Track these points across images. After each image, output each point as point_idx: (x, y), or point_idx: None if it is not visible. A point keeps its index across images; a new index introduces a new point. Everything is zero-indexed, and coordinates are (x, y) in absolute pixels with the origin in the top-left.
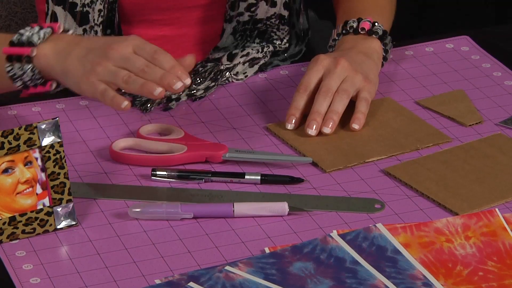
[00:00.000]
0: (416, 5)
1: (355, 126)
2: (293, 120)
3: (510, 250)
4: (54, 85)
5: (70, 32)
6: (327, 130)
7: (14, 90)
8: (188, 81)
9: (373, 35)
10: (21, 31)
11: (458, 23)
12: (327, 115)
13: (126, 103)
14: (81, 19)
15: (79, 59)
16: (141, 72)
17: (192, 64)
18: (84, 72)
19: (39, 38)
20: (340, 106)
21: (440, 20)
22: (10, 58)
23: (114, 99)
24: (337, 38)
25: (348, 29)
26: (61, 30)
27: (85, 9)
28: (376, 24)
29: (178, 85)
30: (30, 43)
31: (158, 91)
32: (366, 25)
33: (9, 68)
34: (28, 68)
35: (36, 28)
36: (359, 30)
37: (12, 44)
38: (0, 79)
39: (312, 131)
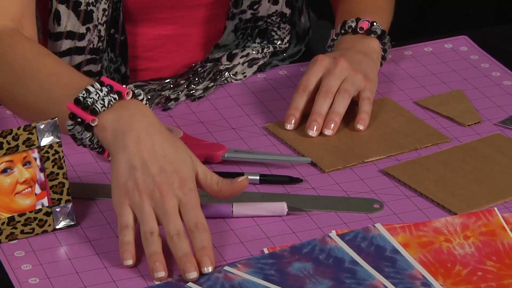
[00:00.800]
0: (415, 5)
1: (360, 126)
2: (293, 121)
3: (509, 250)
4: (111, 157)
5: (140, 97)
6: (328, 132)
7: None
8: (208, 269)
9: (372, 35)
10: (89, 87)
11: (457, 23)
12: (328, 117)
13: (130, 262)
14: (85, 18)
15: (128, 168)
16: (168, 236)
17: (245, 186)
18: (124, 185)
19: (103, 106)
20: (342, 107)
21: (439, 20)
22: (73, 117)
23: (123, 247)
24: (335, 38)
25: (347, 29)
26: (129, 97)
27: (89, 8)
28: (375, 23)
29: (191, 275)
30: (93, 111)
31: (161, 275)
32: (365, 25)
33: (70, 127)
34: (87, 137)
35: (104, 90)
36: (358, 30)
37: (77, 101)
38: (61, 125)
39: (313, 132)
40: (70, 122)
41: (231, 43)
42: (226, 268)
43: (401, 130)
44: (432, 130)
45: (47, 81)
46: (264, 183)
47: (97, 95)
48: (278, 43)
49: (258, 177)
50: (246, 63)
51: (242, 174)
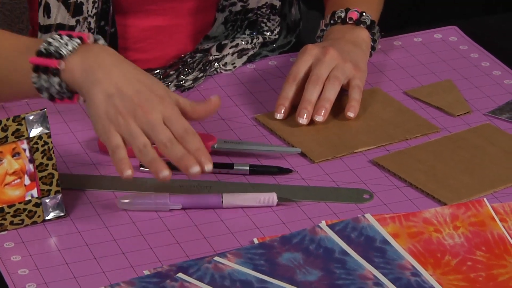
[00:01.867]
0: None
1: (350, 114)
2: (282, 110)
3: (498, 240)
4: (82, 100)
5: (101, 42)
6: (319, 118)
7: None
8: (209, 167)
9: (361, 25)
10: (49, 39)
11: (447, 14)
12: (319, 103)
13: (128, 172)
14: (75, 10)
15: (105, 97)
16: (162, 145)
17: (217, 106)
18: (105, 115)
19: (68, 50)
20: (332, 94)
21: (429, 11)
22: (37, 69)
23: (119, 163)
24: (325, 28)
25: (336, 19)
26: (91, 40)
27: (79, 0)
28: (364, 14)
29: (195, 169)
30: (59, 55)
31: (165, 174)
32: (354, 15)
33: (35, 79)
34: (56, 82)
35: (65, 38)
36: (347, 20)
37: (39, 54)
38: (27, 88)
39: (303, 119)
40: (34, 75)
41: (221, 34)
42: (216, 258)
43: (390, 120)
44: (422, 121)
45: (10, 54)
46: (254, 174)
47: (59, 43)
48: (268, 34)
49: (248, 168)
50: (236, 54)
51: (232, 164)
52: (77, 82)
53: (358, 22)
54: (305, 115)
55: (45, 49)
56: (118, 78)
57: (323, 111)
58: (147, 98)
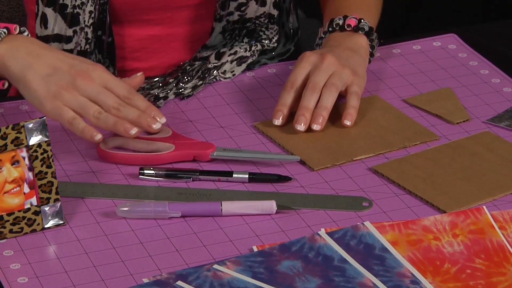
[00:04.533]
0: (404, 3)
1: (347, 122)
2: (281, 116)
3: (498, 248)
4: (6, 85)
5: (25, 34)
6: (317, 127)
7: None
8: (163, 119)
9: (359, 32)
10: None
11: (446, 21)
12: (316, 111)
13: (99, 136)
14: (72, 20)
15: (42, 78)
16: (113, 109)
17: (141, 81)
18: (48, 93)
19: None
20: (329, 101)
21: (428, 18)
22: None
23: (85, 130)
24: (323, 36)
25: (334, 26)
26: (17, 31)
27: (75, 11)
28: (362, 21)
29: (158, 125)
30: None
31: (135, 130)
32: (352, 22)
33: None
34: None
35: None
36: (345, 27)
37: None
38: None
39: (301, 126)
40: None
41: (219, 43)
42: (215, 266)
43: (389, 128)
44: (421, 128)
45: None
46: (253, 182)
47: None
48: (266, 43)
49: (247, 176)
50: (235, 62)
51: (231, 172)
52: (6, 67)
53: (356, 29)
54: (303, 122)
55: None
56: (49, 59)
57: (321, 119)
58: (83, 68)
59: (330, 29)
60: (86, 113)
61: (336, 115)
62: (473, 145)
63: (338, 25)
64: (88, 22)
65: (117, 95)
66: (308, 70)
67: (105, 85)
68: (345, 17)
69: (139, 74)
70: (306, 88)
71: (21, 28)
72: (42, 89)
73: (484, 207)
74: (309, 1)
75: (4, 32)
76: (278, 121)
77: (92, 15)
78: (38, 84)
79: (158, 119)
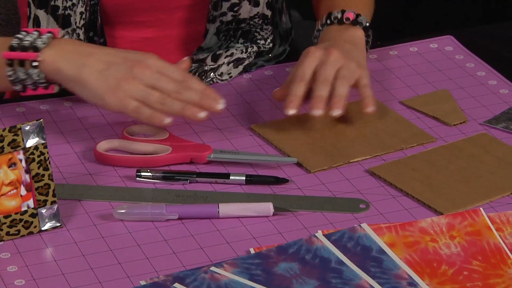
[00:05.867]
0: (401, 5)
1: (370, 108)
2: (295, 105)
3: (495, 250)
4: (56, 89)
5: (66, 37)
6: (337, 112)
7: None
8: (222, 100)
9: (357, 26)
10: (18, 35)
11: (443, 23)
12: (333, 100)
13: (169, 119)
14: (63, 22)
15: (99, 73)
16: (175, 94)
17: (189, 66)
18: (109, 87)
19: (43, 43)
20: (344, 91)
21: (425, 20)
22: (11, 63)
23: (153, 116)
24: (321, 28)
25: (333, 19)
26: (61, 35)
27: (66, 12)
28: (360, 15)
29: (220, 105)
30: (34, 48)
31: (203, 114)
32: (351, 16)
33: (10, 72)
34: (34, 73)
35: (35, 33)
36: (344, 20)
37: (12, 48)
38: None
39: (318, 111)
40: (9, 69)
41: (214, 45)
42: (213, 268)
43: (386, 130)
44: (418, 130)
45: None
46: (250, 184)
47: (31, 37)
48: (261, 43)
49: (244, 178)
50: (232, 64)
51: (228, 174)
52: (59, 70)
53: (355, 22)
54: (320, 107)
55: (17, 43)
56: (102, 56)
57: (340, 104)
58: (136, 58)
59: (328, 21)
60: (149, 101)
61: (332, 118)
62: (470, 147)
63: (336, 18)
64: (79, 23)
65: (174, 79)
66: (315, 64)
67: (160, 71)
68: (343, 11)
69: (185, 58)
70: (317, 81)
71: (63, 32)
72: (101, 85)
73: (481, 208)
74: (304, 2)
75: (50, 37)
76: (292, 110)
77: (83, 16)
78: (96, 81)
79: (218, 99)
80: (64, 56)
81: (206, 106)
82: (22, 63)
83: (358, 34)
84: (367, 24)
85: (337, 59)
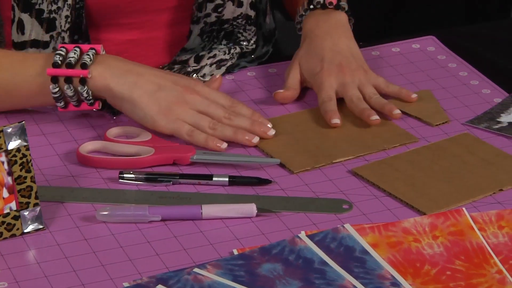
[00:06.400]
0: (383, 6)
1: (414, 95)
2: (335, 115)
3: (478, 249)
4: (101, 105)
5: (103, 52)
6: (396, 111)
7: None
8: (271, 125)
9: (340, 10)
10: (59, 51)
11: (425, 24)
12: (387, 106)
13: (225, 144)
14: (48, 25)
15: (150, 95)
16: (225, 119)
17: (220, 83)
18: (160, 109)
19: (90, 60)
20: (383, 100)
21: (408, 21)
22: (55, 79)
23: (209, 140)
24: (304, 13)
25: (315, 4)
26: (102, 51)
27: (51, 16)
28: (341, 0)
29: (272, 131)
30: (83, 65)
31: (257, 139)
32: (334, 0)
33: (56, 90)
34: (84, 90)
35: (78, 49)
36: (327, 5)
37: (56, 65)
38: (35, 97)
39: (375, 117)
40: (53, 86)
41: (198, 46)
42: (196, 270)
43: (369, 130)
44: (400, 130)
45: (12, 66)
46: (233, 185)
47: (75, 54)
48: (244, 44)
49: (227, 179)
50: (214, 65)
51: (211, 176)
52: (108, 88)
53: (337, 7)
54: (373, 113)
55: (60, 60)
56: (151, 76)
57: (393, 108)
58: (185, 83)
59: (311, 6)
60: (201, 126)
61: (316, 118)
62: (453, 147)
63: (319, 3)
64: (64, 27)
65: (223, 106)
66: (334, 89)
67: (209, 97)
68: None
69: (218, 75)
70: (351, 100)
71: (102, 47)
72: (153, 106)
73: (464, 208)
74: None
75: (94, 54)
76: (336, 120)
77: (69, 19)
78: (147, 102)
79: (267, 124)
80: (114, 73)
81: (258, 133)
82: (69, 80)
83: (342, 18)
84: (348, 8)
85: (352, 76)
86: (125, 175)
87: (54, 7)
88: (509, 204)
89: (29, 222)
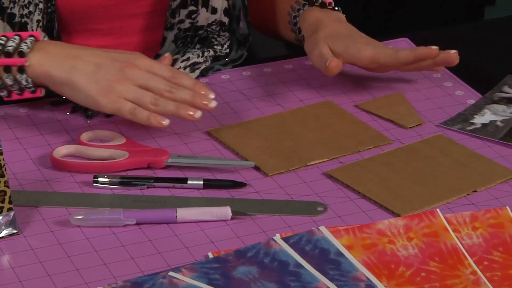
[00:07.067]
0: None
1: (453, 51)
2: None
3: (452, 251)
4: (43, 92)
5: (46, 38)
6: (453, 51)
7: None
8: (212, 95)
9: (337, 11)
10: None
11: (399, 26)
12: (443, 54)
13: (167, 121)
14: (20, 30)
15: (89, 75)
16: (166, 93)
17: (171, 61)
18: (101, 89)
19: (28, 47)
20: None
21: (381, 23)
22: None
23: (151, 117)
24: (302, 8)
25: (314, 1)
26: (42, 37)
27: (23, 20)
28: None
29: (213, 103)
30: (20, 53)
31: (199, 114)
32: (332, 1)
33: None
34: (22, 78)
35: (17, 38)
36: (327, 5)
37: None
38: None
39: (435, 47)
40: None
41: (172, 52)
42: (171, 273)
43: (343, 132)
44: (374, 132)
45: None
46: (208, 188)
47: (14, 42)
48: (218, 49)
49: (202, 182)
50: (188, 68)
51: (185, 179)
52: (47, 74)
53: (335, 7)
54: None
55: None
56: (90, 57)
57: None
58: (125, 58)
59: (309, 3)
60: (143, 102)
61: (290, 121)
62: (427, 149)
63: (318, 2)
64: (36, 30)
65: (163, 78)
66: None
67: (150, 70)
68: None
69: (166, 54)
70: (390, 56)
71: (43, 33)
72: (93, 87)
73: (438, 210)
74: None
75: (33, 41)
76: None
77: (40, 24)
78: (87, 83)
79: (209, 95)
80: (52, 59)
81: (199, 105)
82: (8, 69)
83: (341, 16)
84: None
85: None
86: (99, 179)
87: (26, 11)
88: (483, 205)
89: (3, 227)
